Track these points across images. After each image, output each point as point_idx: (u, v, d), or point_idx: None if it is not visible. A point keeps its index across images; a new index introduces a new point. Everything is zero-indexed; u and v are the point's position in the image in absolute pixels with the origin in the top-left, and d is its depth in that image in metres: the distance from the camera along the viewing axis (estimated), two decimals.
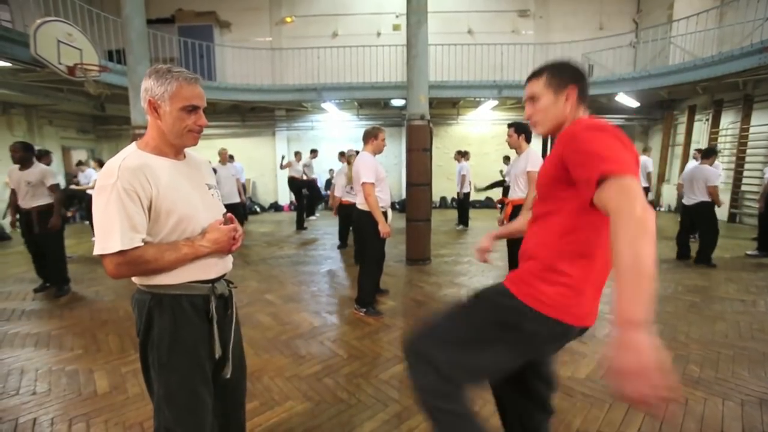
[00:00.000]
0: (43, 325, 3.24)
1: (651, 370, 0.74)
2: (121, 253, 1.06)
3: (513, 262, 3.68)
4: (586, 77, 1.17)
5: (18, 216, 3.99)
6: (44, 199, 3.88)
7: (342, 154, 7.77)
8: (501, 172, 8.64)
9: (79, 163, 9.15)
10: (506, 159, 8.90)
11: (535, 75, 1.19)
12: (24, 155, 3.81)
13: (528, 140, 3.38)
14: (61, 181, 9.20)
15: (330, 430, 1.92)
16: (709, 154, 4.98)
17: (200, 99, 1.20)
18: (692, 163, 7.27)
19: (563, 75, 1.14)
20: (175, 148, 1.22)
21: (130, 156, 1.13)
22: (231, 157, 6.73)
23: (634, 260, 0.80)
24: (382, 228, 3.17)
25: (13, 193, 3.95)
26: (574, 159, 0.99)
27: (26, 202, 3.86)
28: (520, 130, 3.35)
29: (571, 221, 1.07)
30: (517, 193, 3.39)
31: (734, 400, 2.10)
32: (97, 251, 1.08)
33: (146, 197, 1.10)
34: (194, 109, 1.18)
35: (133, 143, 1.21)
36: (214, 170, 5.27)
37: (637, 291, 0.80)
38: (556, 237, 1.10)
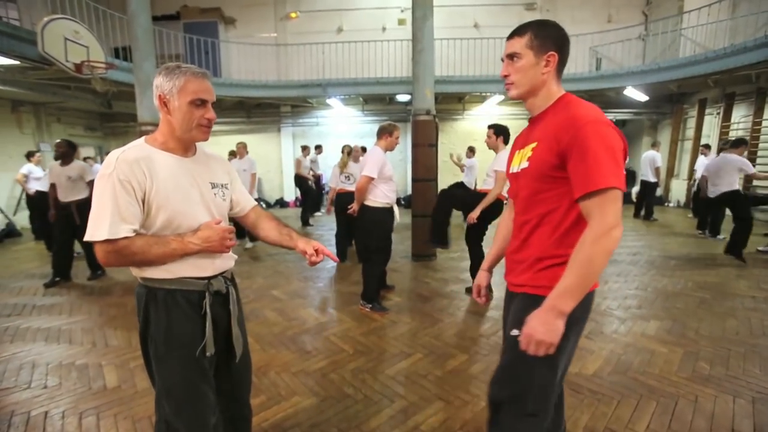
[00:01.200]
0: (53, 320, 3.29)
1: (551, 346, 1.00)
2: (109, 241, 1.09)
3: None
4: (568, 48, 1.14)
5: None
6: (82, 193, 4.23)
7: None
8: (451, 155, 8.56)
9: (85, 159, 9.27)
10: None
11: (517, 32, 1.14)
12: (67, 151, 4.16)
13: (506, 142, 3.53)
14: None
15: (336, 425, 1.92)
16: (738, 143, 4.83)
17: (208, 93, 1.20)
18: (701, 160, 7.17)
19: (547, 38, 1.11)
20: (183, 143, 1.23)
21: (131, 148, 1.16)
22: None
23: (589, 261, 0.98)
24: (354, 207, 3.36)
25: (53, 187, 4.23)
26: (576, 154, 1.02)
27: (65, 196, 4.18)
28: (499, 132, 3.54)
29: (572, 210, 1.09)
30: (485, 186, 3.65)
31: (745, 398, 2.07)
32: (86, 237, 1.11)
33: (141, 189, 1.12)
34: (202, 103, 1.19)
35: (143, 137, 1.23)
36: None
37: (577, 287, 0.99)
38: (565, 230, 1.11)
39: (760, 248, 5.24)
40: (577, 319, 1.12)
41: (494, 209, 3.47)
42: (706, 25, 7.78)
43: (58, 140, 4.28)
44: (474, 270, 3.78)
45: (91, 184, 4.22)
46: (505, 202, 3.51)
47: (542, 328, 1.00)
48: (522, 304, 1.16)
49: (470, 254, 3.72)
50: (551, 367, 1.12)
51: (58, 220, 4.27)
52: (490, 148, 3.62)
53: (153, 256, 1.14)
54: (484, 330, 2.99)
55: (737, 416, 1.93)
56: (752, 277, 4.15)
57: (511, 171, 1.27)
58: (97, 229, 1.09)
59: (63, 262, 4.32)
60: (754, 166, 7.72)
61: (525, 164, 1.17)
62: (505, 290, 1.33)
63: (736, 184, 4.70)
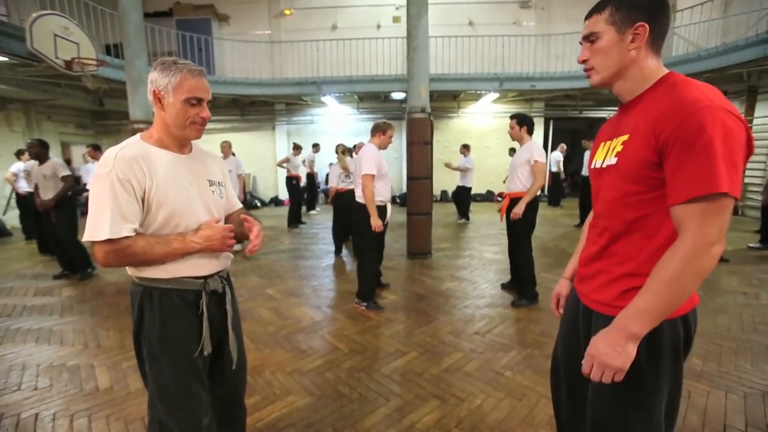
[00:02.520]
0: (44, 321, 3.24)
1: (619, 372, 0.88)
2: (109, 241, 1.07)
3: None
4: (664, 13, 0.92)
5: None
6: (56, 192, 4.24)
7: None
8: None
9: (68, 162, 9.15)
10: (512, 151, 8.82)
11: (596, 9, 0.96)
12: (40, 151, 4.19)
13: (530, 132, 3.36)
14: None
15: (331, 424, 1.91)
16: None
17: (204, 91, 1.18)
18: None
19: (633, 7, 0.91)
20: (178, 140, 1.21)
21: (128, 146, 1.14)
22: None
23: (676, 280, 0.82)
24: (374, 222, 3.17)
25: (36, 187, 4.32)
26: (679, 147, 0.82)
27: (45, 194, 4.21)
28: (523, 122, 3.32)
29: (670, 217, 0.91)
30: (516, 185, 3.37)
31: (737, 393, 2.10)
32: (85, 238, 1.09)
33: (140, 188, 1.10)
34: (198, 101, 1.17)
35: (138, 134, 1.21)
36: None
37: (656, 309, 0.84)
38: (663, 243, 0.91)
39: (751, 245, 5.31)
40: (671, 351, 0.94)
41: (534, 206, 3.32)
42: (698, 23, 7.84)
43: (29, 140, 4.32)
44: (519, 270, 3.48)
45: (64, 179, 4.20)
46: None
47: (608, 351, 0.87)
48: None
49: (518, 254, 3.44)
50: (650, 401, 0.96)
51: (46, 220, 4.37)
52: (513, 140, 3.43)
53: (155, 256, 1.12)
54: (480, 328, 2.99)
55: (729, 411, 1.95)
56: (743, 274, 4.20)
57: (593, 166, 1.09)
58: (97, 229, 1.07)
59: (65, 257, 4.45)
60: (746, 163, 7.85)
61: (612, 160, 0.98)
62: (572, 296, 1.20)
63: None
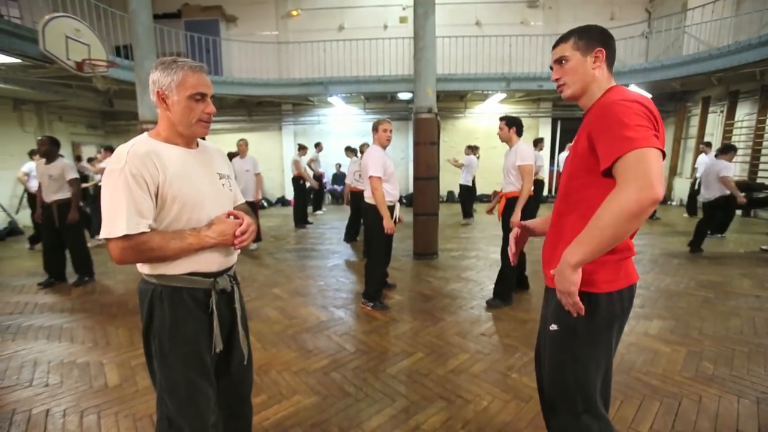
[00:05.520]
0: (54, 318, 3.29)
1: (571, 294, 1.06)
2: (126, 237, 1.07)
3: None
4: (613, 43, 1.18)
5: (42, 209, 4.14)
6: (64, 193, 4.07)
7: (348, 149, 7.69)
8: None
9: (78, 159, 9.27)
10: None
11: (562, 38, 1.19)
12: (49, 149, 3.98)
13: (519, 134, 3.34)
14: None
15: (337, 424, 1.92)
16: (727, 149, 5.08)
17: (206, 87, 1.19)
18: (702, 158, 7.13)
19: (591, 37, 1.15)
20: (185, 138, 1.22)
21: (139, 142, 1.15)
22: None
23: (597, 218, 0.98)
24: (387, 224, 3.16)
25: (40, 187, 4.12)
26: (600, 127, 1.03)
27: (48, 196, 4.04)
28: (511, 123, 3.31)
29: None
30: (510, 187, 3.37)
31: (749, 398, 2.06)
32: (102, 235, 1.09)
33: (153, 183, 1.11)
34: (202, 97, 1.18)
35: (145, 132, 1.22)
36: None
37: (589, 244, 1.00)
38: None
39: (764, 247, 5.21)
40: (606, 320, 1.14)
41: (529, 207, 3.28)
42: (709, 22, 7.73)
43: (39, 137, 4.06)
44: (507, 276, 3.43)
45: (71, 182, 4.01)
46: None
47: (558, 279, 1.06)
48: (557, 299, 1.19)
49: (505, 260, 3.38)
50: (586, 365, 1.16)
51: (43, 221, 4.10)
52: (502, 141, 3.39)
53: (170, 251, 1.12)
54: (486, 329, 2.98)
55: (742, 416, 1.92)
56: (756, 276, 4.13)
57: (562, 168, 1.31)
58: (113, 225, 1.06)
59: (53, 264, 4.20)
60: (758, 164, 7.72)
61: (566, 153, 1.20)
62: (545, 287, 1.32)
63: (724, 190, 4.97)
